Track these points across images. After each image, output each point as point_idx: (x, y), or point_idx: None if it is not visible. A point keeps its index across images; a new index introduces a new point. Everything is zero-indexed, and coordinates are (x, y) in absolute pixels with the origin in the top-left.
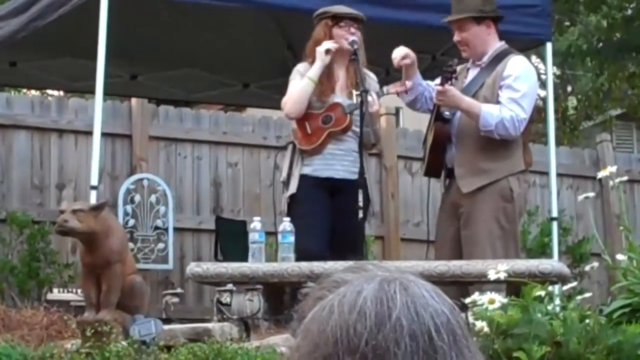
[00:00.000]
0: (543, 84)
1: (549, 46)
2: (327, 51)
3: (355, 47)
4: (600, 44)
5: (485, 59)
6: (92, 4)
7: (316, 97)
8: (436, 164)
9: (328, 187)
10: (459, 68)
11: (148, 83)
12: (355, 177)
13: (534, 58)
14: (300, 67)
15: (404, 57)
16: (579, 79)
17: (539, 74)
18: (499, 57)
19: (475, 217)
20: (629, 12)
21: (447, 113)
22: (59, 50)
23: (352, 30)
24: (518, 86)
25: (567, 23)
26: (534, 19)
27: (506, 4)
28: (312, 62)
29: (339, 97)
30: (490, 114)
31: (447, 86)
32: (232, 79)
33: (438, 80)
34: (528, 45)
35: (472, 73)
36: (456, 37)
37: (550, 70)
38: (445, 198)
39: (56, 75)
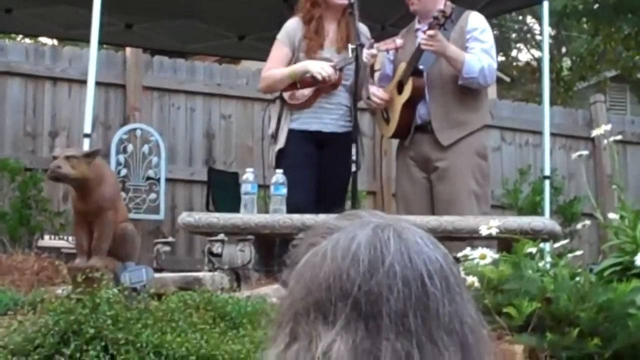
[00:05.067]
0: (538, 44)
1: (545, 5)
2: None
3: (352, 0)
4: (596, 5)
5: None
6: None
7: (304, 53)
8: (407, 121)
9: (316, 140)
10: (404, 30)
11: (143, 33)
12: (343, 130)
13: (529, 18)
14: (290, 25)
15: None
16: (573, 39)
17: (533, 35)
18: (456, 15)
19: (453, 172)
20: None
21: (421, 66)
22: None
23: None
24: (485, 38)
25: None
26: None
27: None
28: (303, 17)
29: (327, 52)
30: (473, 61)
31: (436, 31)
32: (228, 31)
33: (425, 27)
34: (524, 3)
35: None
36: None
37: (547, 30)
38: (411, 152)
39: (51, 23)
